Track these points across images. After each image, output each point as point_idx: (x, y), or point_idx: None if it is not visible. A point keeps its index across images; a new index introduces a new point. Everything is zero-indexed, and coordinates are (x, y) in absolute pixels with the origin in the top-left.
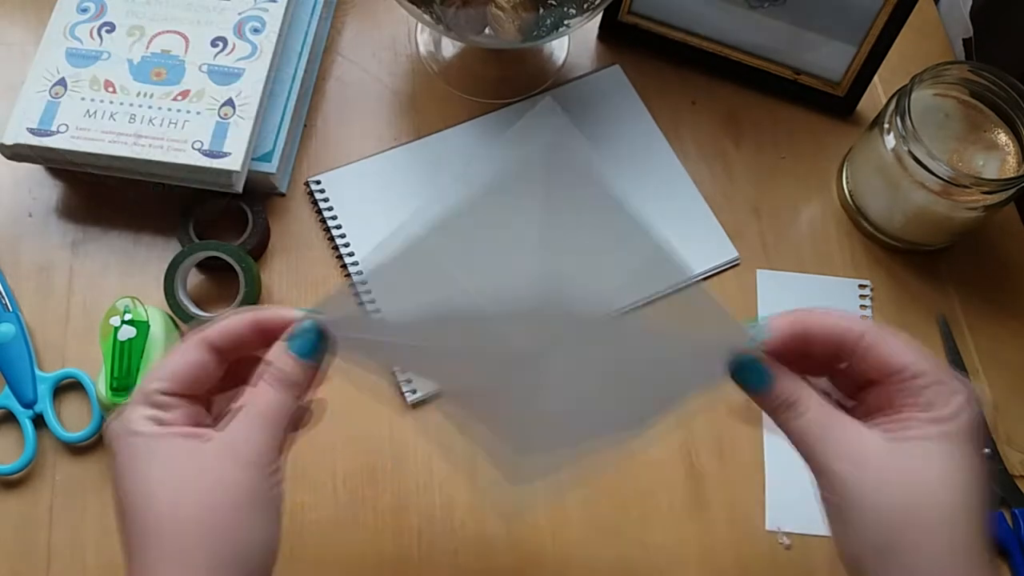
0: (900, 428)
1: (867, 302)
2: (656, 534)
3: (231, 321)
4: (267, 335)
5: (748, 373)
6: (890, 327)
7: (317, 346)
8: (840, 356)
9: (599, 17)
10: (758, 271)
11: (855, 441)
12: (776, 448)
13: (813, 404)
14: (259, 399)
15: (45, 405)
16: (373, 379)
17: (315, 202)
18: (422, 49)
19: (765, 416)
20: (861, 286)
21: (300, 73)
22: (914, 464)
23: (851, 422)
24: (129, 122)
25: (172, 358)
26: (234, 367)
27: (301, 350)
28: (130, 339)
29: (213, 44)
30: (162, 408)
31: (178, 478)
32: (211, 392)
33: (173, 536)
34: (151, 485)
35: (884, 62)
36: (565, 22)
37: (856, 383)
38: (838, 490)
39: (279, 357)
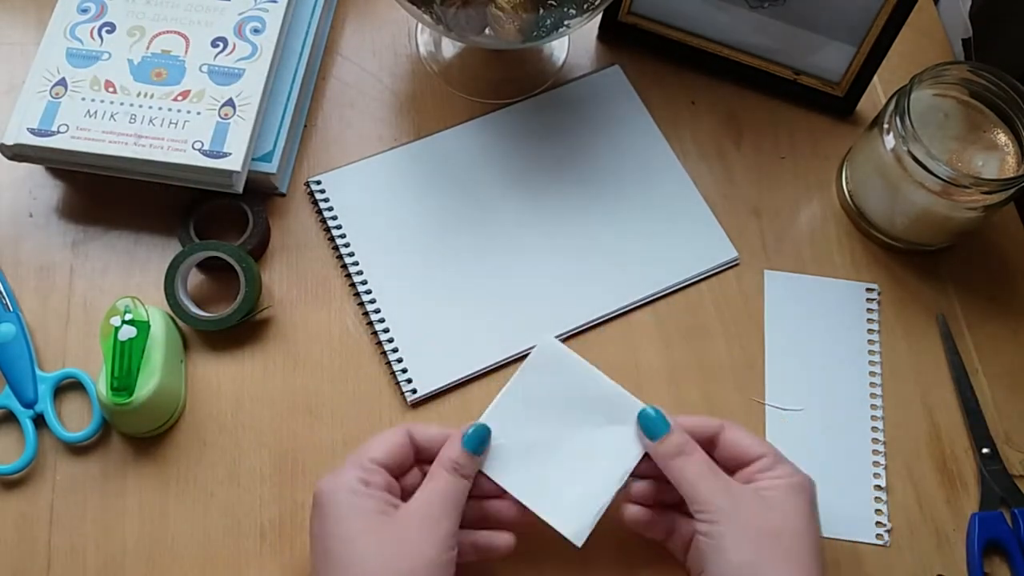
0: (760, 486)
1: (874, 306)
2: None
3: (433, 427)
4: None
5: (653, 421)
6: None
7: (484, 444)
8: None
9: (599, 17)
10: (765, 272)
11: (732, 485)
12: None
13: (699, 451)
14: (439, 482)
15: (45, 405)
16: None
17: (315, 202)
18: (422, 49)
19: None
20: (869, 289)
21: (300, 73)
22: (774, 504)
23: (726, 475)
24: (129, 122)
25: (383, 438)
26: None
27: (475, 448)
28: (131, 339)
29: (213, 44)
30: (369, 473)
31: (375, 537)
32: (403, 473)
33: None
34: (352, 534)
35: (884, 62)
36: (565, 22)
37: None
38: (719, 518)
39: (456, 451)
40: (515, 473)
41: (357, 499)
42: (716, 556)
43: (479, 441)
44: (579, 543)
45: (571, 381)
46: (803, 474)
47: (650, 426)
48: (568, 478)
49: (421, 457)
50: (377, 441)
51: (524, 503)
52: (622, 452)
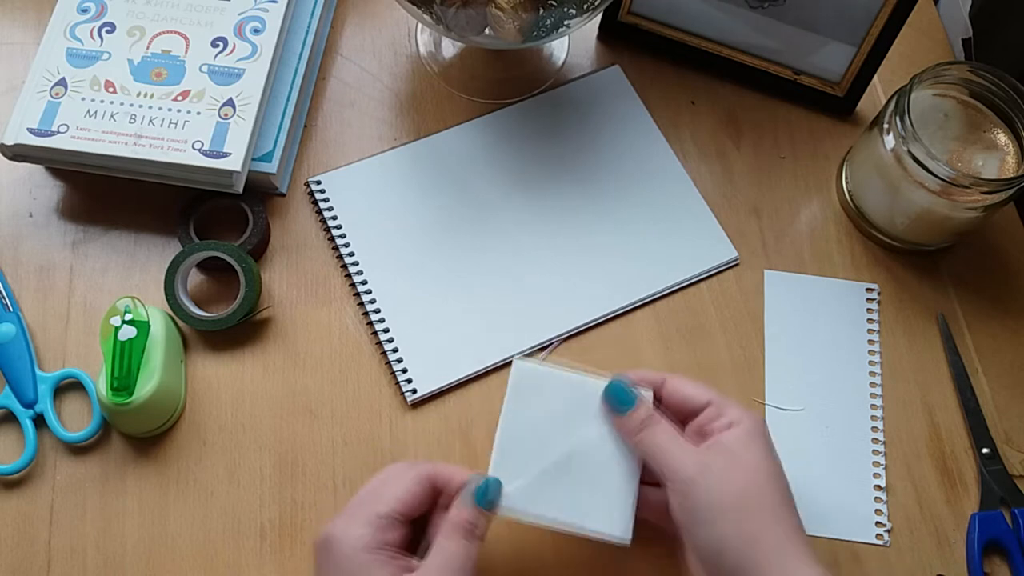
0: (718, 441)
1: (874, 305)
2: None
3: (448, 466)
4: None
5: (618, 396)
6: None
7: (497, 498)
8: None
9: (599, 17)
10: (765, 272)
11: (694, 451)
12: None
13: (663, 422)
14: (454, 546)
15: (45, 405)
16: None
17: (315, 202)
18: (422, 49)
19: None
20: (869, 289)
21: (300, 73)
22: (739, 459)
23: (689, 442)
24: (129, 122)
25: (401, 484)
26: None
27: (489, 504)
28: (130, 339)
29: (213, 44)
30: (385, 529)
31: None
32: (418, 516)
33: None
34: None
35: (884, 62)
36: (565, 22)
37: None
38: (690, 488)
39: (468, 511)
40: (538, 503)
41: (375, 566)
42: (696, 526)
43: (492, 496)
44: (627, 542)
45: (558, 393)
46: (750, 414)
47: (615, 401)
48: (591, 486)
49: (439, 499)
50: (394, 487)
51: (559, 527)
52: None
